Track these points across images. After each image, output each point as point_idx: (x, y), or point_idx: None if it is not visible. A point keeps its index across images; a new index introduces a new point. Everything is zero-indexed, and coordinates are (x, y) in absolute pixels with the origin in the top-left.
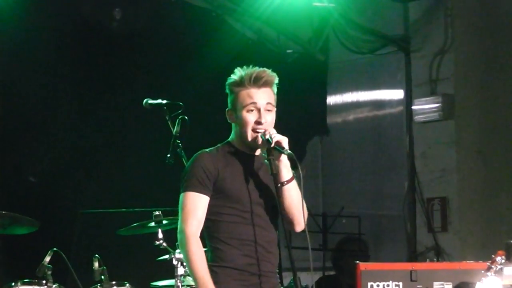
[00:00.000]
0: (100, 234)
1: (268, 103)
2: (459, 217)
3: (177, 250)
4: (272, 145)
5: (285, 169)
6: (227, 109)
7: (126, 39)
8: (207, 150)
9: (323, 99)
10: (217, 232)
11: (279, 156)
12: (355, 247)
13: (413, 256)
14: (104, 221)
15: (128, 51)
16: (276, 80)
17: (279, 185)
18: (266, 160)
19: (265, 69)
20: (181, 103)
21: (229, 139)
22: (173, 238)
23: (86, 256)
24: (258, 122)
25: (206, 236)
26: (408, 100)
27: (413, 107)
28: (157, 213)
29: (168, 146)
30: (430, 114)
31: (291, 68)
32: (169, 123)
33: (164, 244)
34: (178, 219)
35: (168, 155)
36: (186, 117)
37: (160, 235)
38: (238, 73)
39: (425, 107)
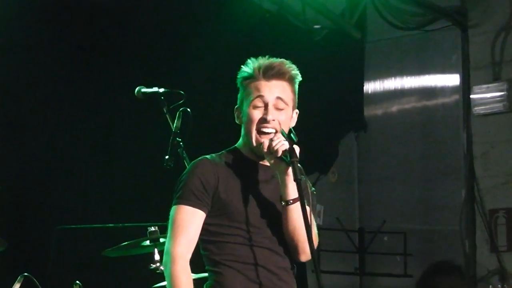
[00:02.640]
0: (82, 256)
1: (279, 97)
2: None
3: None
4: (279, 154)
5: (292, 185)
6: (235, 106)
7: (113, 12)
8: (208, 156)
9: (359, 87)
10: (217, 254)
11: (286, 169)
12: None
13: (473, 281)
14: (86, 239)
15: (115, 27)
16: (297, 76)
17: (283, 203)
18: (276, 171)
19: (283, 60)
20: (182, 92)
21: (236, 145)
22: None
23: (64, 283)
24: (263, 120)
25: (205, 259)
26: (466, 87)
27: (471, 96)
28: (152, 229)
29: (166, 145)
30: (492, 104)
31: (319, 48)
32: (167, 116)
33: (162, 267)
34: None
35: (167, 157)
36: (188, 110)
37: (157, 257)
38: (250, 64)
39: (487, 96)
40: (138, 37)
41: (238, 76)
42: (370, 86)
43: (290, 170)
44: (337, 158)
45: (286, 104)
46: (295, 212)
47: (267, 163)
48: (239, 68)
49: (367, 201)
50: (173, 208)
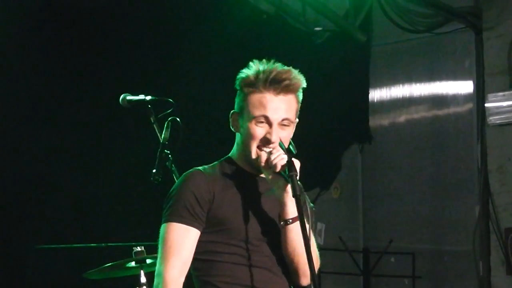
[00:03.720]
0: (61, 278)
1: (285, 119)
2: None
3: None
4: (277, 169)
5: (291, 203)
6: (232, 111)
7: (98, 12)
8: (201, 168)
9: (364, 94)
10: (211, 275)
11: (285, 185)
12: None
13: None
14: (66, 260)
15: (100, 28)
16: (303, 85)
17: (282, 223)
18: (274, 187)
19: (290, 69)
20: (171, 100)
21: (229, 154)
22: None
23: None
24: (266, 140)
25: (196, 280)
26: (480, 95)
27: (486, 105)
28: (138, 249)
29: (153, 158)
30: (509, 114)
31: (320, 52)
32: (154, 127)
33: None
34: (157, 258)
35: (154, 170)
36: (178, 119)
37: (143, 279)
38: (253, 68)
39: (503, 104)
40: (124, 40)
41: (239, 79)
42: (376, 94)
43: (289, 187)
44: (340, 172)
45: (292, 121)
46: (295, 232)
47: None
48: (233, 74)
49: (372, 219)
50: (163, 226)
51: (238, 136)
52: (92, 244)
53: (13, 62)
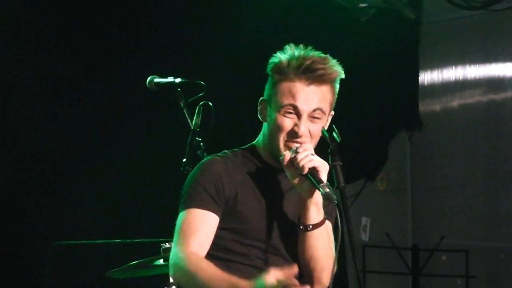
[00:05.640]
0: (82, 277)
1: (317, 109)
2: None
3: None
4: (304, 171)
5: (314, 208)
6: (261, 98)
7: None
8: (220, 154)
9: (413, 77)
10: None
11: (312, 191)
12: None
13: None
14: (88, 258)
15: (125, 7)
16: (341, 75)
17: (301, 228)
18: (298, 190)
19: (327, 57)
20: (202, 83)
21: (254, 142)
22: None
23: None
24: (293, 132)
25: None
26: None
27: None
28: (167, 245)
29: (183, 146)
30: None
31: (365, 31)
32: (184, 112)
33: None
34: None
35: (184, 160)
36: (210, 103)
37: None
38: (288, 53)
39: None
40: (152, 18)
41: (270, 64)
42: (427, 77)
43: (315, 193)
44: (386, 162)
45: (324, 113)
46: (315, 239)
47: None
48: (268, 56)
49: (422, 213)
50: (180, 214)
51: (264, 126)
52: (116, 240)
53: (35, 42)
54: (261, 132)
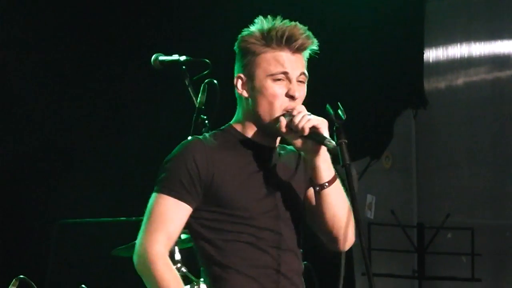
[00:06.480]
0: (87, 255)
1: (302, 73)
2: None
3: (201, 279)
4: (305, 133)
5: (325, 165)
6: (236, 75)
7: None
8: (201, 136)
9: (418, 55)
10: (222, 256)
11: (318, 149)
12: None
13: None
14: (92, 236)
15: None
16: (315, 42)
17: (317, 188)
18: (302, 152)
19: (298, 24)
20: (207, 61)
21: (231, 122)
22: (196, 260)
23: (67, 287)
24: (290, 96)
25: (203, 262)
26: None
27: None
28: None
29: (188, 124)
30: None
31: (368, 7)
32: (189, 90)
33: (184, 269)
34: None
35: (189, 138)
36: (215, 81)
37: (178, 256)
38: (262, 25)
39: None
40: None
41: (244, 38)
42: (431, 54)
43: (322, 148)
44: (391, 140)
45: (306, 76)
46: (333, 195)
47: (274, 145)
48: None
49: (427, 191)
50: (153, 195)
51: (248, 102)
52: (121, 218)
53: (39, 24)
54: (238, 111)
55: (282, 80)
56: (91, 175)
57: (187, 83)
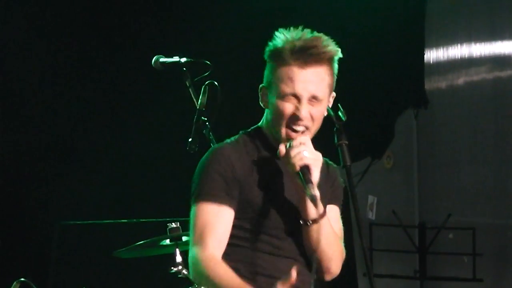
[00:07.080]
0: (89, 257)
1: (316, 93)
2: None
3: None
4: (295, 170)
5: (311, 204)
6: (261, 85)
7: None
8: (228, 141)
9: (419, 55)
10: (238, 261)
11: (302, 188)
12: None
13: None
14: (94, 238)
15: None
16: (338, 54)
17: (301, 222)
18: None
19: (321, 36)
20: (208, 62)
21: (259, 125)
22: None
23: (68, 287)
24: (295, 117)
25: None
26: None
27: None
28: (173, 225)
29: (189, 125)
30: None
31: (369, 8)
32: (190, 91)
33: (185, 271)
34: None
35: (190, 139)
36: (215, 83)
37: (179, 258)
38: (280, 37)
39: None
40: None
41: (267, 50)
42: (432, 54)
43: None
44: (393, 140)
45: (323, 96)
46: (317, 233)
47: None
48: (274, 34)
49: (429, 191)
50: (194, 208)
51: (267, 112)
52: (123, 220)
53: (39, 24)
54: (263, 117)
55: (292, 99)
56: (92, 177)
57: (188, 84)
